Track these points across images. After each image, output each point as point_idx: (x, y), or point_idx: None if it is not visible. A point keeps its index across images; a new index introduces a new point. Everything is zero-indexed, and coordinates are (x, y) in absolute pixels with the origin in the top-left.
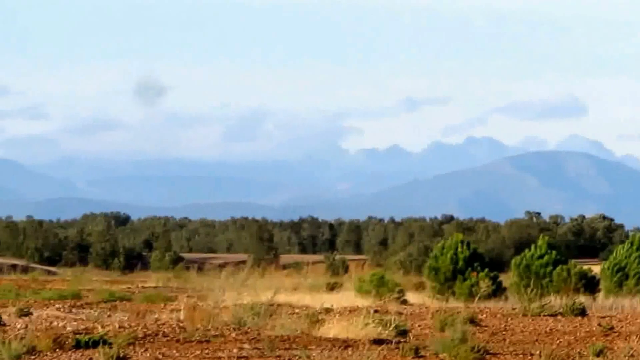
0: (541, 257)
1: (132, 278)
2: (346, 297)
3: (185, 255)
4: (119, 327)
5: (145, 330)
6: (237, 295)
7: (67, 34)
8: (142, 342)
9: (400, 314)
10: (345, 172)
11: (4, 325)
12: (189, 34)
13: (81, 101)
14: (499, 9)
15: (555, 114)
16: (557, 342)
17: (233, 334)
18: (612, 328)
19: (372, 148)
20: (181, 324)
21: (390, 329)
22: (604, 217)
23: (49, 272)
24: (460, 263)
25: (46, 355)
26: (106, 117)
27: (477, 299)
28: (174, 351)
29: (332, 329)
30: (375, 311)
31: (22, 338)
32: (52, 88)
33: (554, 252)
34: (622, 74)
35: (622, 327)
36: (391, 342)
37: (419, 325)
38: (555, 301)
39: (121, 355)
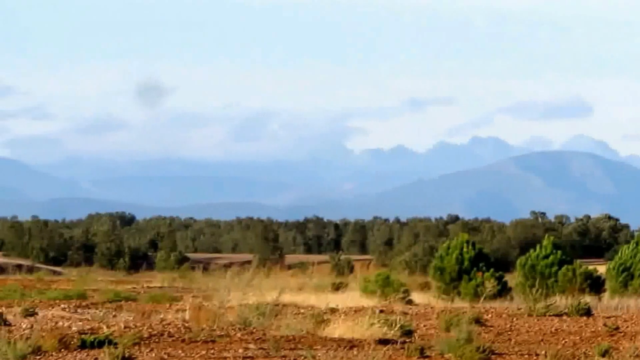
0: (546, 257)
1: (138, 278)
2: (351, 297)
3: (191, 255)
4: (125, 327)
5: (150, 330)
6: (242, 295)
7: (71, 34)
8: (147, 342)
9: (405, 314)
10: (350, 172)
11: (10, 325)
12: (193, 34)
13: (85, 101)
14: (504, 9)
15: (560, 114)
16: (563, 342)
17: (238, 334)
18: (617, 328)
19: (377, 148)
20: (186, 324)
21: (396, 329)
22: (609, 217)
23: (54, 272)
24: (466, 263)
25: (51, 355)
26: (110, 117)
27: (482, 299)
28: (180, 351)
29: (337, 329)
30: (381, 311)
31: (27, 338)
32: (56, 88)
33: (559, 252)
34: (627, 74)
35: (627, 327)
36: (396, 342)
37: (425, 326)
38: (561, 301)
39: (126, 356)
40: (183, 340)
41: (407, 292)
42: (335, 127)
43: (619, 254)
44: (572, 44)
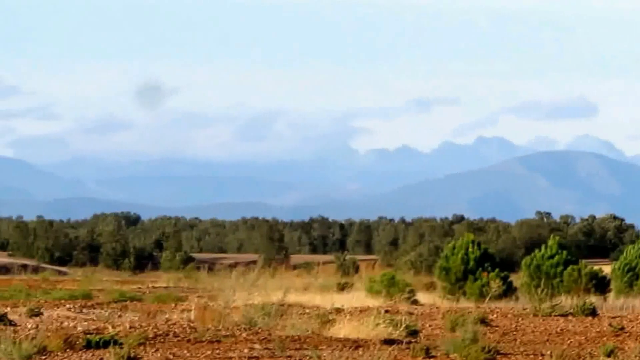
0: (552, 257)
1: (143, 278)
2: (357, 297)
3: (196, 255)
4: (130, 327)
5: (156, 330)
6: (247, 295)
7: (76, 34)
8: (152, 342)
9: (410, 314)
10: (355, 172)
11: (15, 325)
12: (198, 34)
13: (90, 101)
14: (509, 9)
15: (566, 113)
16: (568, 342)
17: (244, 334)
18: (622, 328)
19: (382, 148)
20: (192, 324)
21: (401, 329)
22: (615, 217)
23: (60, 272)
24: (471, 263)
25: (57, 355)
26: (115, 117)
27: (487, 299)
28: (185, 351)
29: (342, 329)
30: (386, 311)
31: (32, 338)
32: (61, 88)
33: (564, 252)
34: (632, 74)
35: (632, 327)
36: (402, 342)
37: (430, 326)
38: (566, 301)
39: (132, 356)
40: (188, 340)
41: (412, 292)
42: (340, 127)
43: (624, 254)
44: (577, 44)
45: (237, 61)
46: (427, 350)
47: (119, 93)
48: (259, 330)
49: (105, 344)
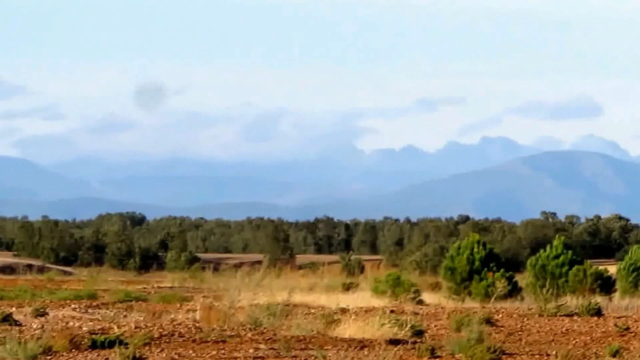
0: (557, 257)
1: (148, 278)
2: (362, 298)
3: (201, 255)
4: (135, 328)
5: (161, 330)
6: (253, 295)
7: (82, 34)
8: (158, 342)
9: (416, 314)
10: (360, 172)
11: (20, 325)
12: (203, 34)
13: (95, 101)
14: (514, 9)
15: (571, 113)
16: (573, 342)
17: (249, 334)
18: (628, 328)
19: (388, 148)
20: (197, 324)
21: (406, 329)
22: (620, 218)
23: (65, 272)
24: (477, 263)
25: (62, 355)
26: (121, 117)
27: (493, 299)
28: (190, 351)
29: (348, 329)
30: (391, 311)
31: (38, 338)
32: (66, 88)
33: (569, 252)
34: (637, 74)
35: (638, 327)
36: (407, 342)
37: (435, 326)
38: (571, 301)
39: (137, 356)
40: (194, 341)
41: (417, 292)
42: (345, 127)
43: (630, 254)
44: (582, 44)
45: (242, 61)
46: (432, 351)
47: (123, 93)
48: (265, 331)
49: (110, 344)
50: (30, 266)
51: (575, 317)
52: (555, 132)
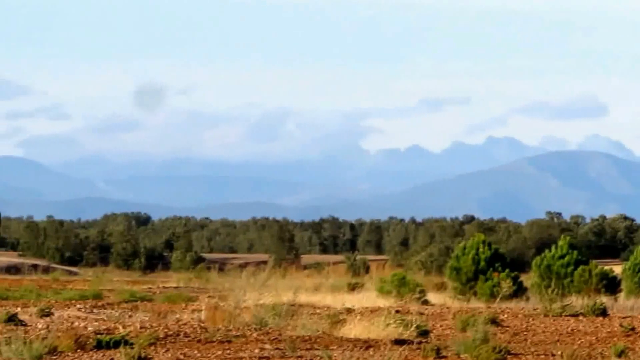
0: (562, 257)
1: (153, 278)
2: (367, 298)
3: (206, 255)
4: (140, 328)
5: (166, 330)
6: (258, 295)
7: (87, 34)
8: (163, 342)
9: (421, 314)
10: (365, 172)
11: (26, 325)
12: (208, 34)
13: (101, 101)
14: (520, 9)
15: (576, 113)
16: (579, 342)
17: (254, 335)
18: (633, 329)
19: (393, 148)
20: (202, 324)
21: (412, 329)
22: (625, 218)
23: (70, 273)
24: (482, 263)
25: (67, 355)
26: (126, 117)
27: (498, 299)
28: (196, 351)
29: (353, 330)
30: (397, 311)
31: (43, 338)
32: (71, 88)
33: (575, 252)
34: None
35: None
36: (413, 342)
37: (441, 326)
38: (577, 302)
39: (142, 356)
40: (199, 341)
41: (423, 292)
42: (350, 127)
43: (635, 254)
44: (587, 43)
45: (246, 61)
46: (437, 351)
47: (128, 93)
48: (270, 331)
49: (115, 344)
50: (35, 266)
51: (580, 317)
52: (561, 132)
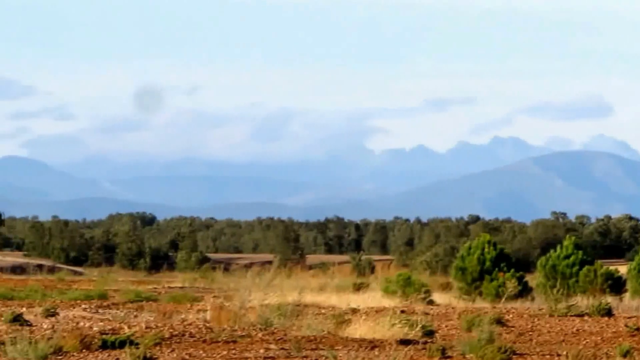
0: (567, 257)
1: (159, 278)
2: (372, 298)
3: (212, 255)
4: (146, 328)
5: (171, 330)
6: (263, 295)
7: (92, 35)
8: (168, 342)
9: (426, 314)
10: (370, 172)
11: (31, 325)
12: (213, 35)
13: (105, 101)
14: (525, 9)
15: (581, 114)
16: (584, 342)
17: (260, 335)
18: (638, 329)
19: (398, 148)
20: (208, 325)
21: (417, 329)
22: (630, 218)
23: (75, 273)
24: (487, 263)
25: (73, 355)
26: (130, 117)
27: (503, 299)
28: (201, 351)
29: (358, 330)
30: (402, 312)
31: (48, 338)
32: (76, 88)
33: (580, 252)
34: None
35: None
36: (418, 342)
37: (446, 326)
38: (582, 302)
39: (148, 356)
40: (204, 341)
41: (428, 292)
42: (355, 126)
43: None
44: (592, 43)
45: (251, 61)
46: (443, 351)
47: (133, 94)
48: (275, 331)
49: (121, 344)
50: (40, 266)
51: (585, 318)
52: (566, 132)
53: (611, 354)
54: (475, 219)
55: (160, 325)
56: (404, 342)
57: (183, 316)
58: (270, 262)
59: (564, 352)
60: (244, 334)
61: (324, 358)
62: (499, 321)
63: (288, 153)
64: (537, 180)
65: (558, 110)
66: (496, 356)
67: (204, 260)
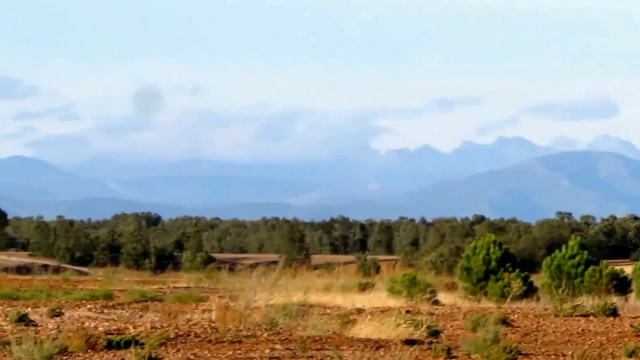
0: (572, 257)
1: (164, 278)
2: (378, 298)
3: (217, 255)
4: (151, 328)
5: (177, 330)
6: (268, 295)
7: (97, 35)
8: (174, 342)
9: (432, 314)
10: (376, 172)
11: (36, 325)
12: (220, 35)
13: (111, 101)
14: (530, 9)
15: (586, 114)
16: (589, 342)
17: (265, 335)
18: None
19: (403, 148)
20: (213, 325)
21: (422, 329)
22: (635, 218)
23: (81, 273)
24: (493, 263)
25: (78, 355)
26: (136, 117)
27: (509, 299)
28: (206, 352)
29: (364, 330)
30: (407, 312)
31: (54, 338)
32: (81, 88)
33: (585, 252)
34: None
35: None
36: (423, 342)
37: (451, 326)
38: (587, 302)
39: (153, 356)
40: (209, 341)
41: (433, 292)
42: (361, 127)
43: None
44: (599, 43)
45: (257, 61)
46: (448, 351)
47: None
48: (280, 331)
49: (126, 345)
50: (45, 266)
51: (591, 318)
52: (571, 132)
53: (616, 354)
54: (481, 219)
55: (166, 326)
56: (409, 342)
57: (188, 316)
58: (275, 262)
59: (570, 352)
60: (249, 334)
61: (329, 358)
62: (504, 321)
63: (293, 153)
64: (543, 181)
65: (563, 110)
66: (501, 356)
67: (209, 260)
